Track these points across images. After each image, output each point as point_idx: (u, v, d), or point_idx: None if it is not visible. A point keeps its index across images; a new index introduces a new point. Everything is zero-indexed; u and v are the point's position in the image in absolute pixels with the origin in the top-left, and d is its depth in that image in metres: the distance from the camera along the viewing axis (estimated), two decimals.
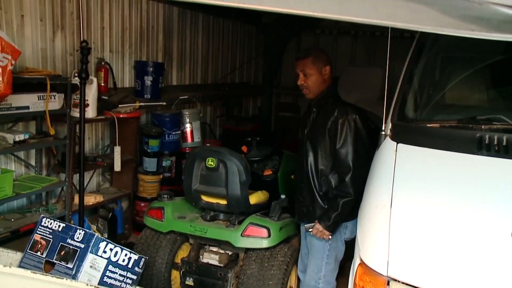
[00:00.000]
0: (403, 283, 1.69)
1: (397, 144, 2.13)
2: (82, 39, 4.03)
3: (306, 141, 3.01)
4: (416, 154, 2.06)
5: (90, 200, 4.32)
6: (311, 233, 2.95)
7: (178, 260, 3.64)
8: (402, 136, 2.16)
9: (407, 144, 2.11)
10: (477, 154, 1.95)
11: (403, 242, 1.77)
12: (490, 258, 1.65)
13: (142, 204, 4.93)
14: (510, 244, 1.63)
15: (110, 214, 4.54)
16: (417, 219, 1.81)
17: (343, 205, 2.80)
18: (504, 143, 1.91)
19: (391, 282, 1.71)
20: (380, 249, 1.76)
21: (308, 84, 2.95)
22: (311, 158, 2.97)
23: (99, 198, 4.45)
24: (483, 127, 2.04)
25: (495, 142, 1.93)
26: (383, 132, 2.27)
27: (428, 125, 2.17)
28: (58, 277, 2.07)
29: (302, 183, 3.05)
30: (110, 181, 4.94)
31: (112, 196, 4.67)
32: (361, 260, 1.82)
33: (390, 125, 2.26)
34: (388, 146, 2.15)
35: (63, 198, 4.11)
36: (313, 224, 2.93)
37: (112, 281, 2.94)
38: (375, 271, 1.74)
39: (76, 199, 4.09)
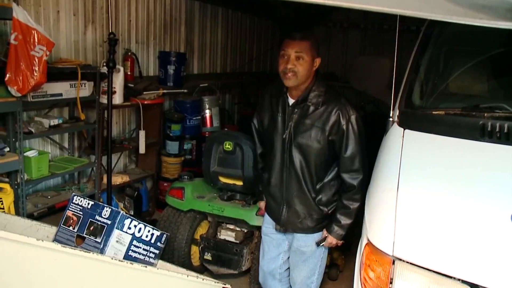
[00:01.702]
0: (407, 262, 1.64)
1: (404, 130, 2.06)
2: (110, 32, 3.99)
3: (290, 148, 2.45)
4: (422, 139, 1.99)
5: (117, 180, 4.32)
6: (324, 246, 2.61)
7: (197, 236, 3.64)
8: (409, 122, 2.09)
9: (413, 130, 2.04)
10: (480, 141, 1.88)
11: (409, 224, 1.71)
12: (490, 240, 1.59)
13: (165, 184, 4.92)
14: (510, 226, 1.56)
15: (136, 193, 4.55)
16: (422, 202, 1.75)
17: (356, 212, 2.44)
18: (506, 130, 1.84)
19: (396, 262, 1.66)
20: (387, 230, 1.71)
21: (298, 69, 2.30)
22: (301, 167, 2.46)
23: (126, 178, 4.45)
24: (485, 114, 1.97)
25: (497, 129, 1.86)
26: (390, 119, 2.20)
27: (433, 112, 2.10)
28: (85, 251, 2.06)
29: (290, 192, 2.53)
30: (136, 162, 4.94)
31: (138, 176, 4.66)
32: (368, 240, 1.77)
33: (397, 112, 2.19)
34: (395, 132, 2.09)
35: (93, 178, 4.12)
36: (322, 238, 2.57)
37: (136, 255, 2.94)
38: (381, 251, 1.69)
39: (105, 179, 4.09)
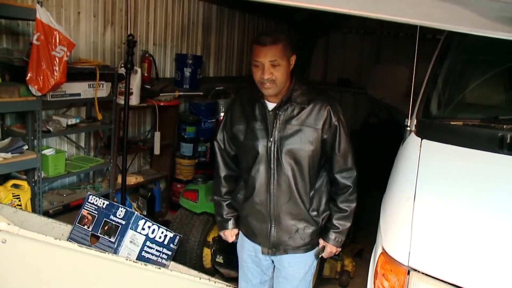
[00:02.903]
0: (422, 273, 1.63)
1: (421, 140, 2.05)
2: (128, 33, 4.02)
3: (279, 157, 2.17)
4: (439, 150, 1.98)
5: (132, 180, 4.35)
6: (324, 256, 2.39)
7: (209, 239, 3.64)
8: (426, 132, 2.07)
9: (431, 140, 2.03)
10: (499, 153, 1.86)
11: (425, 235, 1.70)
12: (507, 254, 1.56)
13: (178, 186, 4.94)
14: None
15: (149, 193, 4.57)
16: (439, 213, 1.73)
17: (354, 213, 2.29)
18: None
19: (411, 272, 1.64)
20: (403, 240, 1.69)
21: (276, 77, 2.06)
22: (293, 174, 2.19)
23: (140, 179, 4.48)
24: (505, 126, 1.95)
25: None
26: (408, 128, 2.18)
27: (451, 122, 2.08)
28: (101, 251, 2.08)
29: (280, 207, 2.24)
30: (150, 163, 4.96)
31: (151, 177, 4.69)
32: (383, 249, 1.76)
33: (415, 122, 2.18)
34: (413, 142, 2.07)
35: (108, 178, 4.14)
36: (320, 248, 2.35)
37: (149, 256, 2.95)
38: (396, 260, 1.68)
39: (119, 179, 4.12)
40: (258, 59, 2.06)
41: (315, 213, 2.27)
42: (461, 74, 2.45)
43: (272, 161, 2.20)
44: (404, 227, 1.72)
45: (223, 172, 2.43)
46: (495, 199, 1.73)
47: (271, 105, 2.18)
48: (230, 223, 2.47)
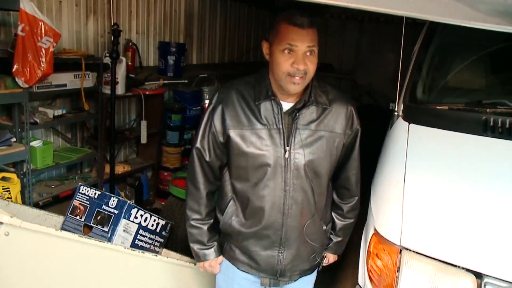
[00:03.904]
0: (414, 251, 1.70)
1: (409, 124, 2.12)
2: (113, 22, 4.00)
3: (298, 171, 1.77)
4: (426, 134, 2.05)
5: (119, 169, 4.37)
6: (324, 265, 2.09)
7: None
8: (413, 116, 2.15)
9: (418, 124, 2.10)
10: (483, 135, 1.95)
11: (415, 215, 1.77)
12: (494, 230, 1.65)
13: (165, 174, 4.97)
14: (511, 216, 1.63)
15: (137, 182, 4.61)
16: (429, 194, 1.81)
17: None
18: (507, 126, 1.92)
19: (403, 251, 1.72)
20: (394, 220, 1.77)
21: (309, 69, 1.67)
22: (312, 192, 1.82)
23: (127, 168, 4.50)
24: (488, 110, 2.03)
25: (499, 125, 1.93)
26: (395, 113, 2.25)
27: (437, 107, 2.16)
28: (100, 241, 2.11)
29: (296, 230, 1.85)
30: (137, 152, 4.97)
31: (139, 166, 4.71)
32: (375, 230, 1.83)
33: (402, 106, 2.25)
34: (400, 126, 2.14)
35: (96, 168, 4.15)
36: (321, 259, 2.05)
37: (143, 244, 2.99)
38: (389, 240, 1.75)
39: (107, 169, 4.13)
40: (294, 42, 1.63)
41: (326, 227, 1.97)
42: (445, 59, 2.53)
43: (289, 176, 1.77)
44: (395, 208, 1.79)
45: (205, 187, 1.88)
46: (480, 179, 1.81)
47: (286, 105, 1.77)
48: (214, 251, 1.95)
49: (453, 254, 1.64)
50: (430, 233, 1.72)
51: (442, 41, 2.48)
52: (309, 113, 1.77)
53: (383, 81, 2.62)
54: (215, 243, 1.95)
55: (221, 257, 1.98)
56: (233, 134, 1.77)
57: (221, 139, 1.81)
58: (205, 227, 1.92)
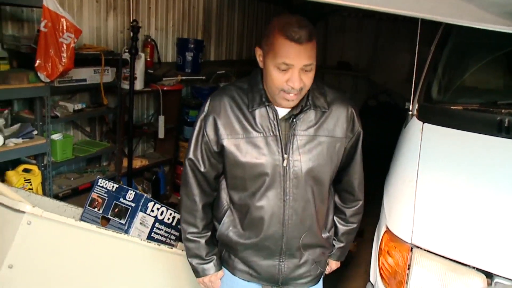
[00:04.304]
0: (425, 250, 1.72)
1: (423, 123, 2.13)
2: (132, 19, 4.06)
3: (297, 179, 1.68)
4: (440, 133, 2.06)
5: (137, 163, 4.44)
6: (326, 273, 2.01)
7: None
8: (428, 116, 2.16)
9: (432, 124, 2.11)
10: (497, 136, 1.95)
11: (427, 214, 1.79)
12: (505, 231, 1.66)
13: (182, 168, 5.01)
14: None
15: (154, 176, 4.67)
16: (440, 193, 1.83)
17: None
18: None
19: (414, 249, 1.74)
20: (406, 219, 1.79)
21: (306, 84, 1.57)
22: (313, 200, 1.74)
23: (145, 162, 4.57)
24: (503, 111, 2.03)
25: None
26: (410, 112, 2.26)
27: (452, 107, 2.16)
28: (118, 232, 2.17)
29: (296, 239, 1.77)
30: (154, 147, 5.04)
31: (156, 160, 4.77)
32: (387, 228, 1.85)
33: (416, 106, 2.26)
34: (414, 125, 2.16)
35: (114, 161, 4.23)
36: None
37: (158, 237, 3.04)
38: (400, 238, 1.77)
39: (125, 163, 4.21)
40: (289, 61, 1.50)
41: (328, 234, 1.89)
42: (461, 59, 2.53)
43: (288, 185, 1.69)
44: (407, 206, 1.81)
45: (200, 200, 1.79)
46: (493, 180, 1.82)
47: (282, 111, 1.67)
48: (213, 265, 1.86)
49: (463, 253, 1.66)
50: (441, 232, 1.74)
51: (458, 41, 2.48)
52: (307, 117, 1.67)
53: (399, 80, 2.60)
54: (214, 257, 1.86)
55: (221, 272, 1.88)
56: (228, 143, 1.67)
57: (215, 148, 1.70)
58: (203, 241, 1.82)
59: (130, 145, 4.01)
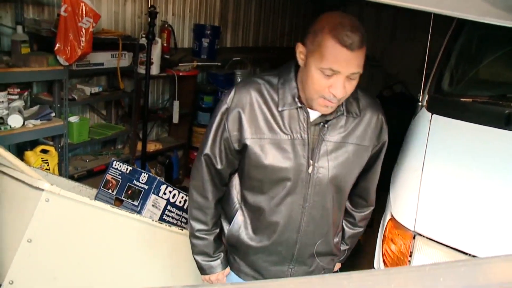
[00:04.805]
0: (427, 237, 1.78)
1: (432, 114, 2.16)
2: (150, 4, 4.13)
3: (319, 186, 1.59)
4: (448, 125, 2.09)
5: (151, 147, 4.53)
6: None
7: None
8: (437, 107, 2.19)
9: (441, 115, 2.14)
10: (505, 129, 1.98)
11: (430, 203, 1.84)
12: (506, 222, 1.70)
13: (195, 153, 5.08)
14: None
15: (167, 160, 4.76)
16: (445, 184, 1.87)
17: None
18: None
19: (417, 237, 1.80)
20: (410, 207, 1.84)
21: (348, 92, 1.44)
22: (332, 208, 1.66)
23: (159, 146, 4.65)
24: (511, 104, 2.05)
25: None
26: (420, 103, 2.30)
27: (461, 99, 2.19)
28: (130, 212, 2.26)
29: (309, 246, 1.70)
30: (168, 131, 5.13)
31: (170, 145, 4.86)
32: (391, 215, 1.91)
33: (426, 97, 2.29)
34: (423, 116, 2.19)
35: (128, 145, 4.32)
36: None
37: (170, 219, 3.13)
38: (404, 226, 1.83)
39: (139, 146, 4.30)
40: (337, 68, 1.37)
41: (337, 239, 1.82)
42: (474, 51, 2.54)
43: (309, 192, 1.59)
44: (411, 195, 1.86)
45: (213, 197, 1.70)
46: (497, 172, 1.86)
47: (313, 114, 1.55)
48: (220, 262, 1.78)
49: (464, 242, 1.71)
50: (443, 221, 1.79)
51: (471, 33, 2.50)
52: (338, 123, 1.57)
53: (412, 71, 2.60)
54: (222, 254, 1.78)
55: (228, 269, 1.81)
56: (252, 143, 1.54)
57: (235, 146, 1.59)
58: (212, 238, 1.74)
59: (145, 129, 4.10)
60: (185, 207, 3.23)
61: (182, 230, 2.59)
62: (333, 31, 1.35)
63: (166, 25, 4.63)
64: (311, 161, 1.56)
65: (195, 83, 4.98)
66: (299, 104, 1.52)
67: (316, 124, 1.55)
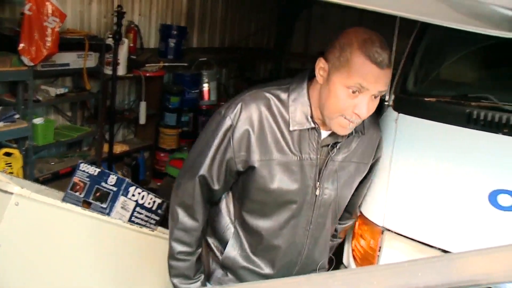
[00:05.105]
0: (395, 232, 1.84)
1: (398, 114, 2.23)
2: (117, 4, 4.09)
3: (324, 208, 1.55)
4: (414, 124, 2.17)
5: (118, 149, 4.50)
6: None
7: None
8: (403, 107, 2.26)
9: (407, 114, 2.21)
10: (466, 127, 2.07)
11: (398, 199, 1.91)
12: (469, 216, 1.79)
13: (162, 155, 5.11)
14: (486, 204, 1.77)
15: (134, 162, 4.73)
16: (411, 181, 1.94)
17: None
18: (489, 119, 2.03)
19: (385, 232, 1.86)
20: (378, 204, 1.90)
21: (370, 112, 1.38)
22: (331, 226, 1.68)
23: (125, 148, 4.63)
24: (472, 103, 2.15)
25: (482, 118, 2.05)
26: (386, 103, 2.36)
27: (425, 99, 2.27)
28: (103, 215, 2.25)
29: (309, 262, 1.65)
30: (134, 132, 5.10)
31: (136, 146, 4.84)
32: (361, 213, 1.96)
33: (393, 97, 2.36)
34: (390, 115, 2.26)
35: (95, 146, 4.27)
36: None
37: (139, 221, 3.12)
38: (372, 222, 1.89)
39: (106, 148, 4.26)
40: (366, 84, 1.30)
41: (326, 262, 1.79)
42: (437, 52, 2.63)
43: (314, 214, 1.54)
44: (380, 192, 1.93)
45: (203, 218, 1.55)
46: (461, 168, 1.95)
47: (324, 134, 1.48)
48: (201, 283, 1.63)
49: (430, 236, 1.78)
50: (410, 217, 1.86)
51: (434, 35, 2.58)
52: (347, 144, 1.52)
53: None
54: (202, 275, 1.63)
55: None
56: (260, 166, 1.43)
57: (239, 167, 1.46)
58: (194, 258, 1.58)
59: (112, 131, 4.06)
60: (153, 208, 3.22)
61: (152, 231, 2.59)
62: (363, 47, 1.30)
63: (132, 25, 4.59)
64: (318, 183, 1.49)
65: (162, 83, 4.96)
66: (312, 125, 1.43)
67: (326, 145, 1.49)
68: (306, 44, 8.47)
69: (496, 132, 1.99)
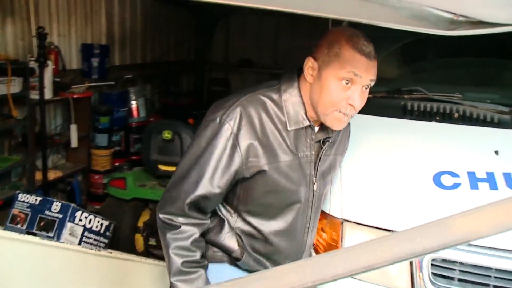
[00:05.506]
0: (354, 222, 1.97)
1: None
2: (33, 25, 3.95)
3: (317, 204, 1.65)
4: (359, 119, 2.30)
5: (51, 175, 4.34)
6: None
7: (140, 224, 3.78)
8: None
9: None
10: (403, 118, 2.26)
11: (352, 192, 2.04)
12: (418, 197, 1.95)
13: (96, 177, 4.98)
14: (431, 185, 1.94)
15: (69, 187, 4.58)
16: (362, 173, 2.08)
17: None
18: (422, 109, 2.24)
19: (345, 223, 1.98)
20: (335, 198, 2.02)
21: (362, 105, 1.47)
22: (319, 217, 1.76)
23: (59, 173, 4.47)
24: (405, 96, 2.35)
25: (415, 109, 2.25)
26: None
27: None
28: (61, 243, 2.19)
29: (301, 253, 1.70)
30: (66, 157, 4.91)
31: (70, 171, 4.69)
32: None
33: None
34: None
35: (26, 175, 4.07)
36: None
37: (88, 246, 3.05)
38: (332, 215, 2.00)
39: (37, 175, 4.08)
40: (359, 71, 1.36)
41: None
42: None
43: (310, 211, 1.61)
44: (335, 187, 2.05)
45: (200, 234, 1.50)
46: (405, 156, 2.12)
47: (315, 130, 1.54)
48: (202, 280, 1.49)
49: (385, 221, 1.92)
50: (365, 206, 2.00)
51: (366, 34, 2.78)
52: (334, 137, 1.61)
53: None
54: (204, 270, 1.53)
55: None
56: (269, 168, 1.44)
57: (245, 174, 1.44)
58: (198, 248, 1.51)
59: (45, 157, 3.91)
60: (101, 231, 3.16)
61: (111, 253, 2.55)
62: (350, 41, 1.38)
63: (52, 47, 4.44)
64: (314, 178, 1.55)
65: (90, 104, 4.84)
66: (308, 123, 1.48)
67: (318, 141, 1.55)
68: (226, 53, 8.61)
69: (430, 121, 2.21)
